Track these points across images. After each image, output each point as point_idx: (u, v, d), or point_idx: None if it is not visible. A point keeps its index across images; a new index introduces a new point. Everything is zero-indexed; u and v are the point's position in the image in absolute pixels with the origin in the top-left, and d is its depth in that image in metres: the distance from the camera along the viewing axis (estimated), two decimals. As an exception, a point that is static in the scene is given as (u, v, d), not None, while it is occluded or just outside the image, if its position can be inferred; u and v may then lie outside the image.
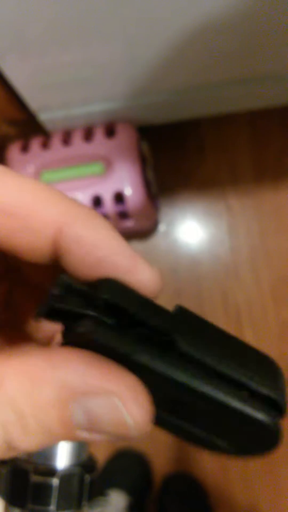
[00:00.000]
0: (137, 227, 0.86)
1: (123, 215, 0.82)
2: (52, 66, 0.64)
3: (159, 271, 0.13)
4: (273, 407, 0.14)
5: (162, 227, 0.91)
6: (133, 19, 0.55)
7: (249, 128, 0.91)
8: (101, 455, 0.86)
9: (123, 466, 0.84)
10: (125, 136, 0.80)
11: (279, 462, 0.84)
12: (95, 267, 0.12)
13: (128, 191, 0.78)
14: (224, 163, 0.91)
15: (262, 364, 0.15)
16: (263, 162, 0.90)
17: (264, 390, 0.14)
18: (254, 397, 0.14)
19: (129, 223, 0.84)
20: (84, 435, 0.12)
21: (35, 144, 0.83)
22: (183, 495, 0.81)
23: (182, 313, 0.14)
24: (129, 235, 0.92)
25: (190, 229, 0.91)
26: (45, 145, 0.83)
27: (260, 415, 0.14)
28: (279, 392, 0.14)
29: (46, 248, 0.12)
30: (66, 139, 0.83)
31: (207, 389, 0.13)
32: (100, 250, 0.12)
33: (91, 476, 0.24)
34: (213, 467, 0.85)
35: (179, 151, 0.92)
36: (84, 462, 0.24)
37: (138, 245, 0.92)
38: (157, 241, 0.91)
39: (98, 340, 0.12)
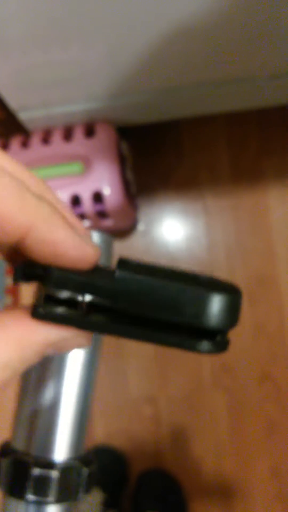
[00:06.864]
0: (116, 226, 0.87)
1: (101, 214, 0.82)
2: (32, 65, 0.65)
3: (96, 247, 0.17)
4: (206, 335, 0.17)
5: (141, 226, 0.92)
6: (112, 21, 0.56)
7: (227, 129, 0.92)
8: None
9: (98, 463, 0.84)
10: (104, 136, 0.81)
11: (252, 457, 0.86)
12: (50, 257, 0.16)
13: (107, 191, 0.78)
14: (202, 163, 0.92)
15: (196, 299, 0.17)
16: (241, 163, 0.91)
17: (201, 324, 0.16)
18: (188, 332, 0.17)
19: (108, 223, 0.84)
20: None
21: (15, 143, 0.83)
22: (158, 491, 0.82)
23: (122, 274, 0.16)
24: (109, 234, 0.93)
25: (168, 229, 0.92)
26: (25, 144, 0.83)
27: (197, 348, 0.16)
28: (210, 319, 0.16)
29: (12, 242, 0.16)
30: (46, 138, 0.83)
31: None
32: (57, 248, 0.16)
33: (88, 469, 0.25)
34: (188, 462, 0.86)
35: (158, 151, 0.93)
36: (82, 456, 0.26)
37: (117, 244, 0.93)
38: (136, 240, 0.92)
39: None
